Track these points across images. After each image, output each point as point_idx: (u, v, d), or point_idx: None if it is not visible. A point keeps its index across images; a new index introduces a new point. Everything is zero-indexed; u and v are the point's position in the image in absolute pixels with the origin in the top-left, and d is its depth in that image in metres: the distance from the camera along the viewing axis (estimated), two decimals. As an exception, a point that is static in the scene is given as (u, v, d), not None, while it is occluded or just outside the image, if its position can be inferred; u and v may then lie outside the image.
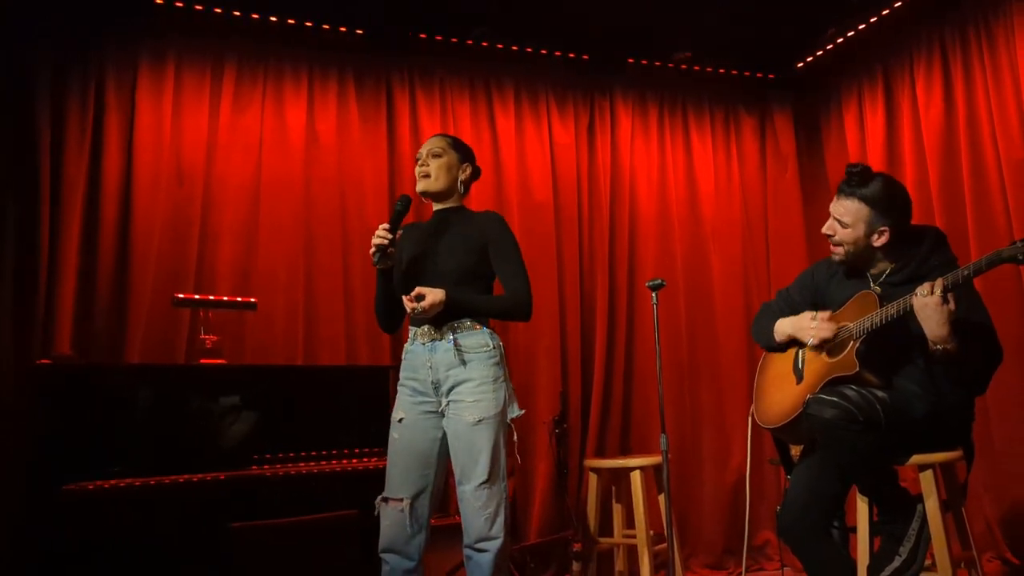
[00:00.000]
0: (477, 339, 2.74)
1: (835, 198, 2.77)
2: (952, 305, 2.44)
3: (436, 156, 2.86)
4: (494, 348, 2.76)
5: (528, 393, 4.76)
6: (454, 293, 2.69)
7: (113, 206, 4.11)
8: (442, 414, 2.73)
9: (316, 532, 3.24)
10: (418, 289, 2.65)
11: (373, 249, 2.70)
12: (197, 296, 3.86)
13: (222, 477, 3.11)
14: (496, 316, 2.84)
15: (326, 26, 4.60)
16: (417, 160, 2.89)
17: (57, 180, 4.03)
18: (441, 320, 2.72)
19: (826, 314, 2.80)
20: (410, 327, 2.83)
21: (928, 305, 2.45)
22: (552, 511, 4.66)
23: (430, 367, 2.74)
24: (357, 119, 4.68)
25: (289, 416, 3.47)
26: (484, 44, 4.90)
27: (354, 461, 3.47)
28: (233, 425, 3.31)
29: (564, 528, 4.58)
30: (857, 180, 2.72)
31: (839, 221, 2.74)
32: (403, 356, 2.84)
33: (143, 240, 4.13)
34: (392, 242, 2.71)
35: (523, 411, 2.82)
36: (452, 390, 2.71)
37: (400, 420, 2.78)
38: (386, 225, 2.71)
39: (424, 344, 2.75)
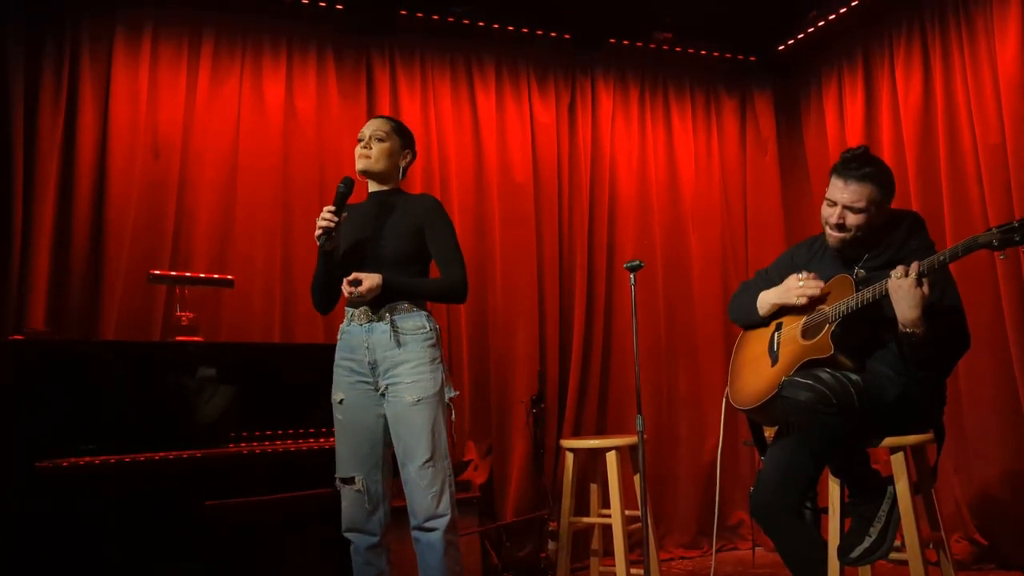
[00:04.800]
0: (414, 321, 2.76)
1: (838, 183, 2.68)
2: (926, 289, 2.46)
3: (380, 140, 2.88)
4: (431, 330, 2.79)
5: (506, 372, 4.78)
6: (391, 277, 2.73)
7: (88, 180, 4.06)
8: (382, 394, 2.75)
9: (290, 510, 3.24)
10: (355, 274, 2.69)
11: (319, 232, 2.73)
12: (173, 272, 3.83)
13: (198, 455, 3.10)
14: (432, 299, 2.88)
15: (305, 0, 4.54)
16: (360, 140, 2.90)
17: (31, 152, 3.96)
18: (378, 302, 2.75)
19: (812, 274, 2.80)
20: (347, 308, 2.85)
21: (902, 287, 2.47)
22: (528, 490, 4.69)
23: (367, 347, 2.76)
24: (336, 95, 4.64)
25: (266, 394, 3.45)
26: (465, 21, 4.87)
27: (331, 440, 3.44)
28: (209, 403, 3.30)
29: (540, 507, 4.61)
30: (863, 161, 2.68)
31: (850, 208, 2.67)
32: (339, 336, 2.87)
33: (118, 215, 4.08)
34: (338, 224, 2.75)
35: (458, 392, 2.86)
36: (389, 372, 2.73)
37: (341, 401, 2.81)
38: (331, 208, 2.74)
39: (361, 325, 2.78)
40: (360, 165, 2.88)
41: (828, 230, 2.75)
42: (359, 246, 2.83)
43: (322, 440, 3.44)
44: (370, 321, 2.77)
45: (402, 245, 2.82)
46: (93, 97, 4.13)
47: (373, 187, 2.95)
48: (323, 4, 4.59)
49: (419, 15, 4.75)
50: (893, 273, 2.50)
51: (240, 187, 4.36)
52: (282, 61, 4.54)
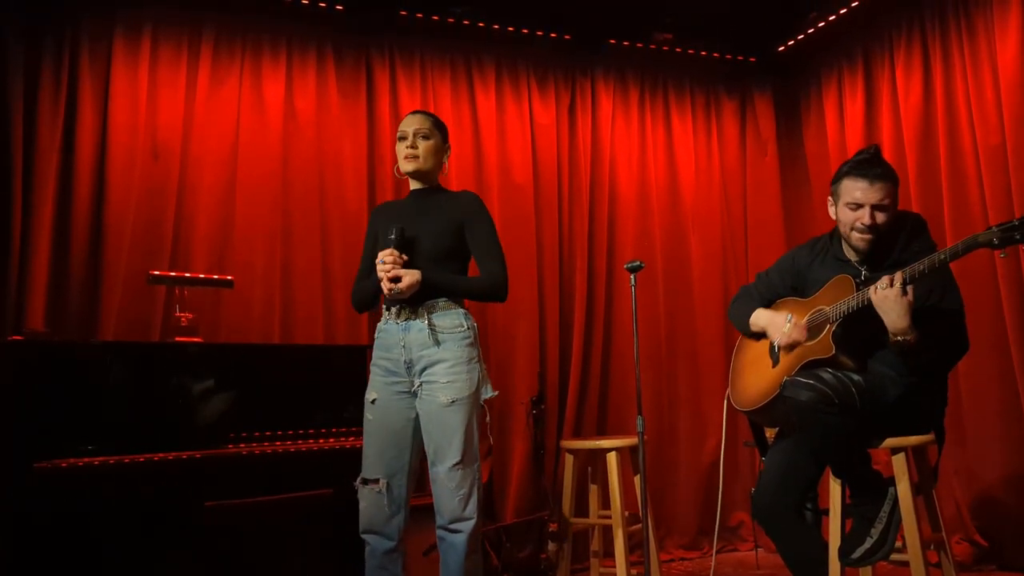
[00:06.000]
0: (452, 319, 2.73)
1: (861, 184, 2.65)
2: (911, 297, 2.45)
3: (425, 138, 2.83)
4: (468, 328, 2.75)
5: (506, 374, 4.77)
6: (430, 275, 2.69)
7: (87, 181, 4.05)
8: (415, 394, 2.72)
9: (290, 511, 3.24)
10: (395, 271, 2.65)
11: (386, 276, 2.66)
12: (173, 273, 3.82)
13: (197, 456, 3.09)
14: (472, 297, 2.84)
15: (305, 0, 4.54)
16: (402, 139, 2.85)
17: (30, 152, 3.96)
18: (416, 300, 2.71)
19: (796, 314, 2.80)
20: (384, 306, 2.82)
21: (888, 298, 2.46)
22: (529, 491, 4.68)
23: (403, 346, 2.73)
24: (336, 96, 4.63)
25: (265, 395, 3.45)
26: (465, 22, 4.86)
27: (330, 440, 3.45)
28: (209, 403, 3.29)
29: (540, 508, 4.60)
30: (880, 159, 2.68)
31: (879, 207, 2.65)
32: (376, 335, 2.83)
33: (117, 216, 4.07)
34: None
35: (496, 392, 2.81)
36: (425, 370, 2.70)
37: (373, 401, 2.78)
38: (392, 251, 2.67)
39: (398, 323, 2.75)
40: (409, 167, 2.83)
41: (857, 234, 2.70)
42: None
43: (321, 440, 3.43)
44: (407, 319, 2.73)
45: (443, 241, 2.78)
46: (92, 98, 4.12)
47: (414, 184, 2.91)
48: (323, 4, 4.59)
49: (419, 15, 4.75)
50: (877, 285, 2.49)
51: (239, 190, 4.35)
52: (282, 61, 4.53)
